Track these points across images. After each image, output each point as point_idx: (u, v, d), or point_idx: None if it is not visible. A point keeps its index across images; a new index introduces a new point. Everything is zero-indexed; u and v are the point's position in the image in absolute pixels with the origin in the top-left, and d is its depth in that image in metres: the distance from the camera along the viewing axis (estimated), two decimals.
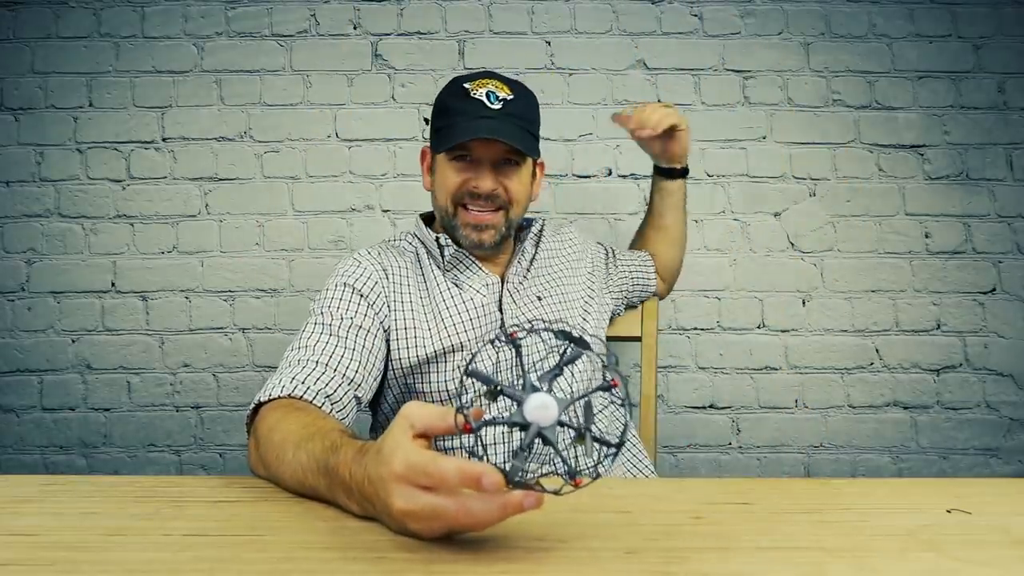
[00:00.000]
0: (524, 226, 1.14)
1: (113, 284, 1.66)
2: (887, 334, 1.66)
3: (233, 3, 1.69)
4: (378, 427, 1.06)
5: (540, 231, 1.15)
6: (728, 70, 1.70)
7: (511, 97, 0.96)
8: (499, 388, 0.47)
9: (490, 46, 1.69)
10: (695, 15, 1.70)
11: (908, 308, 1.67)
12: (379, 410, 1.04)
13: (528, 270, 1.09)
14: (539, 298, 1.04)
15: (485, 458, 0.46)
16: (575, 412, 0.46)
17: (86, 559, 0.47)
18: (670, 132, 1.10)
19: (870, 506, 0.60)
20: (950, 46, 1.69)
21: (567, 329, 0.49)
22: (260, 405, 0.79)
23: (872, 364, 1.66)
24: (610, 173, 1.68)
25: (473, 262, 1.03)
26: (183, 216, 1.67)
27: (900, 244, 1.67)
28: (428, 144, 1.06)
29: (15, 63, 1.67)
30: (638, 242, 1.32)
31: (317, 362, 0.85)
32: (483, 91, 0.95)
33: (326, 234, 1.67)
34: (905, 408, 1.65)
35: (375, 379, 0.93)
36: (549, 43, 1.70)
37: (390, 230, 1.67)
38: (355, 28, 1.70)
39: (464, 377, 0.48)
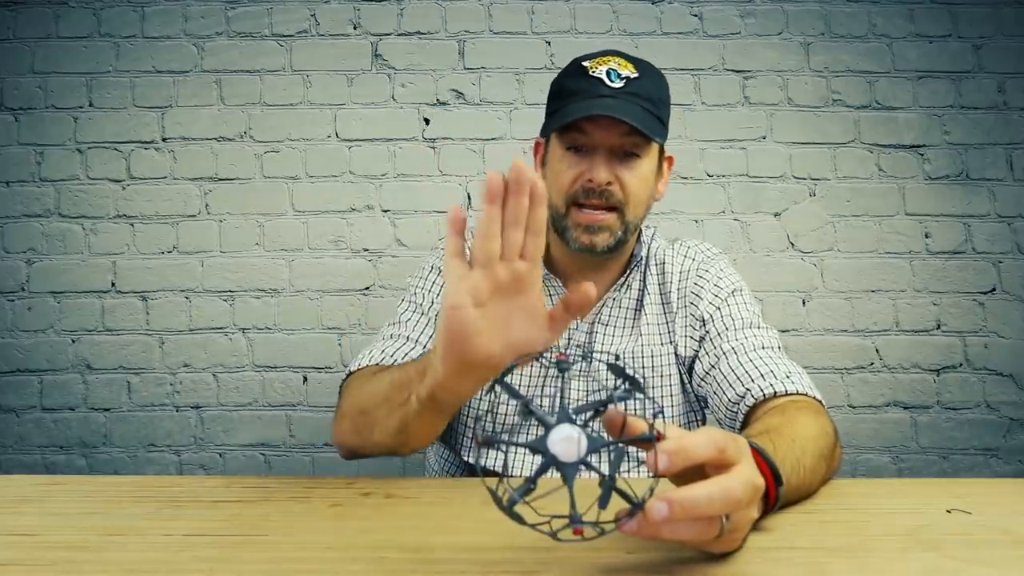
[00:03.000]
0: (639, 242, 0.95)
1: (113, 284, 1.66)
2: (887, 334, 1.66)
3: (233, 3, 1.69)
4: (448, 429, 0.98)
5: (652, 254, 0.96)
6: (728, 70, 1.70)
7: (635, 75, 0.85)
8: (528, 407, 0.42)
9: (490, 46, 1.69)
10: (695, 15, 1.70)
11: (908, 308, 1.67)
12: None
13: (636, 313, 0.91)
14: (616, 357, 0.90)
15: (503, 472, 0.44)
16: (605, 457, 0.41)
17: (86, 559, 0.47)
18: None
19: (870, 506, 0.60)
20: (950, 46, 1.69)
21: (622, 366, 0.45)
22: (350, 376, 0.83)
23: (872, 364, 1.66)
24: None
25: (559, 286, 0.92)
26: (183, 216, 1.67)
27: (900, 244, 1.67)
28: (539, 138, 0.95)
29: (15, 63, 1.67)
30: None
31: (408, 337, 0.87)
32: (603, 68, 0.85)
33: (326, 234, 1.67)
34: (905, 408, 1.65)
35: None
36: (549, 43, 1.70)
37: (390, 230, 1.67)
38: (355, 28, 1.70)
39: (495, 387, 0.43)
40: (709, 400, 0.88)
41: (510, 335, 0.50)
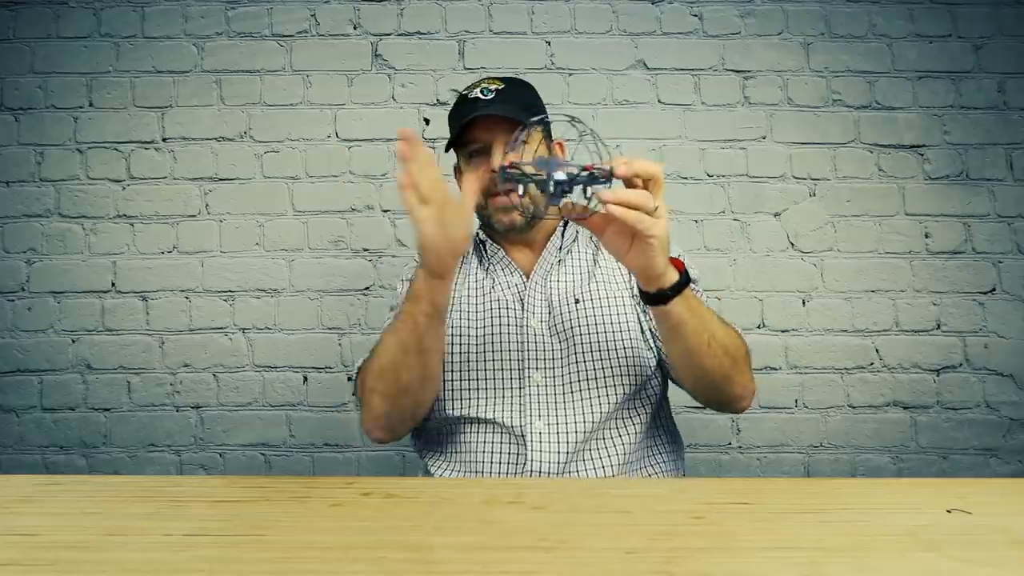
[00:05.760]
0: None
1: (113, 284, 1.66)
2: (887, 334, 1.66)
3: (233, 3, 1.69)
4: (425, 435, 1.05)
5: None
6: (728, 70, 1.70)
7: (502, 87, 1.02)
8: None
9: (490, 46, 1.69)
10: (695, 15, 1.70)
11: (908, 308, 1.67)
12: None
13: (561, 261, 1.05)
14: (576, 301, 1.00)
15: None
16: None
17: (86, 559, 0.47)
18: (637, 236, 0.74)
19: (870, 506, 0.60)
20: (950, 46, 1.69)
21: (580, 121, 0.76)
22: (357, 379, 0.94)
23: (872, 364, 1.66)
24: None
25: (504, 256, 1.06)
26: (183, 216, 1.67)
27: (900, 244, 1.67)
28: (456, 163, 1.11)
29: (15, 63, 1.67)
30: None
31: None
32: (477, 90, 1.01)
33: (326, 234, 1.67)
34: (905, 408, 1.65)
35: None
36: (549, 43, 1.70)
37: (390, 230, 1.67)
38: (355, 28, 1.70)
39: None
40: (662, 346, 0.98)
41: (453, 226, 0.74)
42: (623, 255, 0.78)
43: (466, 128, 0.99)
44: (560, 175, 0.71)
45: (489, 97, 1.00)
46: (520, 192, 0.74)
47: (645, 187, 0.73)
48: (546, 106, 1.09)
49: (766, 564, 0.46)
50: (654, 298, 0.79)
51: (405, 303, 0.82)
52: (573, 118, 0.76)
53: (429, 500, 0.61)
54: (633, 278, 1.03)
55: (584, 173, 0.71)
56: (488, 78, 1.06)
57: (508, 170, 0.75)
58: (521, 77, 1.07)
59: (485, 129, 0.99)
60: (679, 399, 1.65)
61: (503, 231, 1.03)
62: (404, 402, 0.87)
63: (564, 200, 0.73)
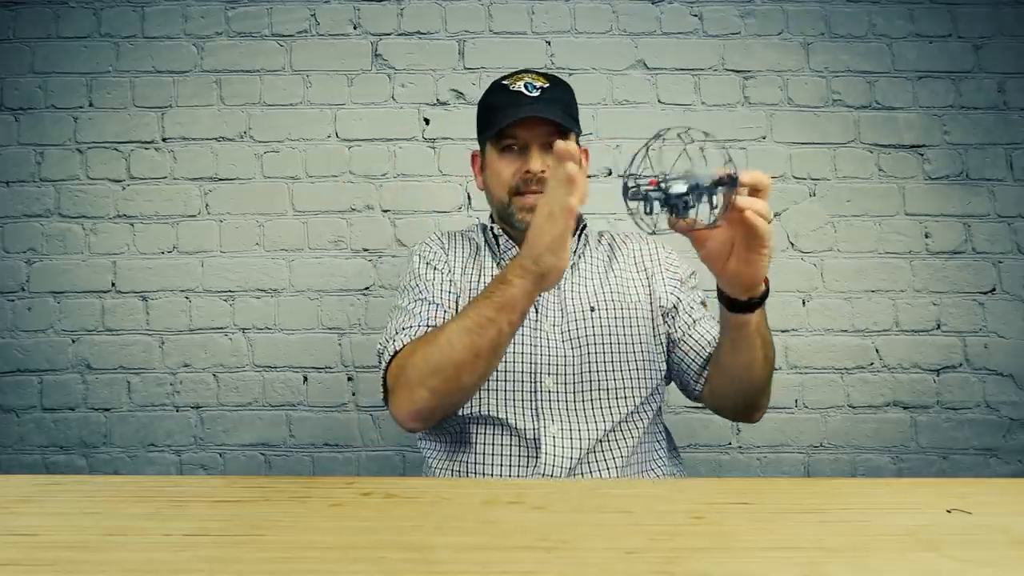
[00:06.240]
0: (582, 224, 1.12)
1: (113, 284, 1.66)
2: (887, 334, 1.66)
3: (233, 3, 1.69)
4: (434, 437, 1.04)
5: (600, 235, 1.15)
6: (728, 70, 1.70)
7: (548, 85, 1.00)
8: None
9: (490, 46, 1.69)
10: (695, 15, 1.70)
11: (908, 308, 1.67)
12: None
13: (574, 265, 1.06)
14: (592, 309, 1.01)
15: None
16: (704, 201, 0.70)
17: (86, 559, 0.47)
18: (750, 246, 0.74)
19: (870, 506, 0.60)
20: (950, 46, 1.69)
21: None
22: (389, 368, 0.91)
23: (872, 364, 1.66)
24: (610, 173, 1.68)
25: (518, 254, 1.06)
26: (183, 216, 1.67)
27: (900, 244, 1.67)
28: (476, 149, 1.11)
29: (15, 63, 1.67)
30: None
31: (431, 301, 0.98)
32: (521, 83, 1.00)
33: (326, 234, 1.67)
34: (905, 408, 1.65)
35: None
36: (549, 43, 1.70)
37: (390, 230, 1.67)
38: (355, 28, 1.70)
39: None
40: (682, 346, 1.02)
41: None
42: (722, 264, 0.76)
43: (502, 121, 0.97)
44: (706, 183, 0.70)
45: (535, 94, 0.98)
46: (648, 209, 0.72)
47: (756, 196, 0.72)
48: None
49: (766, 564, 0.46)
50: (744, 306, 0.80)
51: (486, 308, 0.80)
52: (689, 129, 0.74)
53: (429, 500, 0.61)
54: (655, 288, 1.04)
55: (724, 179, 0.70)
56: (531, 72, 1.03)
57: (638, 186, 0.72)
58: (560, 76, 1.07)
59: (525, 128, 0.97)
60: (679, 399, 1.65)
61: (524, 229, 1.01)
62: (456, 399, 0.87)
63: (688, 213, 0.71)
